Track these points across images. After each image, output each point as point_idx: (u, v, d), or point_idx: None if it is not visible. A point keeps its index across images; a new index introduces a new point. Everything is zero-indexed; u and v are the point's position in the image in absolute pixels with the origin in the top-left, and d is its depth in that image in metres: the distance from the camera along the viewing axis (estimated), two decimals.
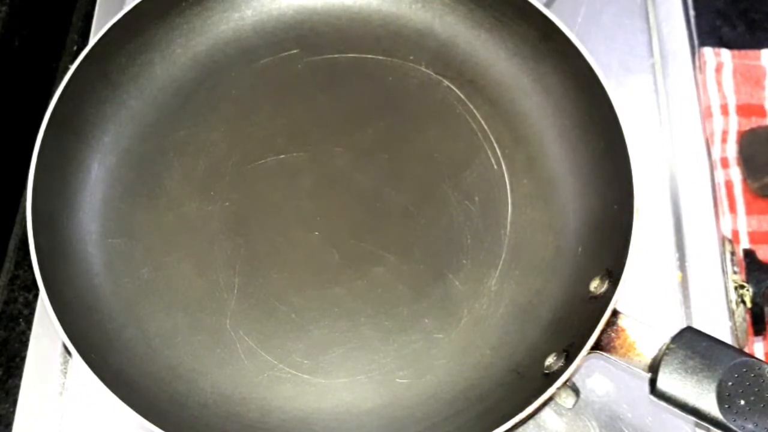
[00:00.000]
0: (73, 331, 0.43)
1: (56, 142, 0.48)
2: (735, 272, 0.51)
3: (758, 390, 0.39)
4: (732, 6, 0.63)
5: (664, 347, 0.41)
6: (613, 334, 0.42)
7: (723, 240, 0.52)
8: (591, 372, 0.48)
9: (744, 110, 0.60)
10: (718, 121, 0.60)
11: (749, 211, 0.59)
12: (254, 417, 0.45)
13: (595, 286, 0.45)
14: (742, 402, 0.39)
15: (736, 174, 0.59)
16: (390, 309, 0.47)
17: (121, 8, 0.50)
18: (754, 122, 0.60)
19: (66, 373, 0.49)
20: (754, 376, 0.40)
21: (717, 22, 0.62)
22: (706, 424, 0.40)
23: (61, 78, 0.48)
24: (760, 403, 0.39)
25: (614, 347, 0.42)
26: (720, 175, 0.59)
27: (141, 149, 0.51)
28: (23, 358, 0.49)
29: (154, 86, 0.52)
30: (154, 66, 0.53)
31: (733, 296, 0.50)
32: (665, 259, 0.51)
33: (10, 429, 0.47)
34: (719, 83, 0.60)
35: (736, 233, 0.58)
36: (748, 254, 0.53)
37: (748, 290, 0.51)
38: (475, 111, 0.52)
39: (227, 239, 0.49)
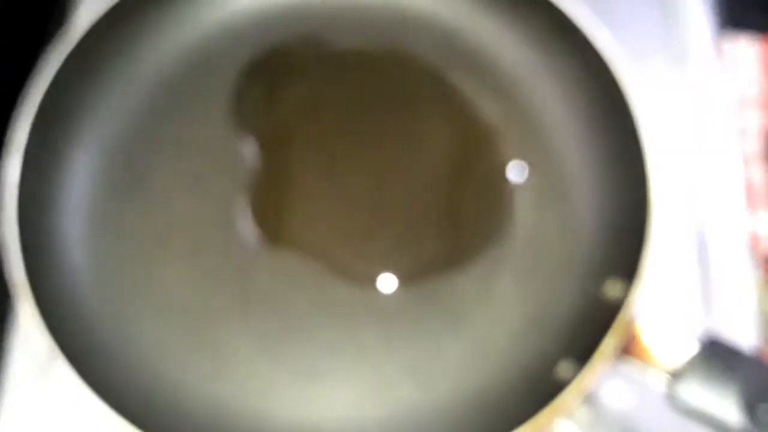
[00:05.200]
0: (58, 335, 0.42)
1: (39, 138, 0.46)
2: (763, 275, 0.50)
3: None
4: None
5: (685, 356, 0.40)
6: (629, 341, 0.41)
7: (750, 241, 0.51)
8: (605, 380, 0.47)
9: None
10: (740, 114, 0.58)
11: None
12: (249, 426, 0.44)
13: (610, 289, 0.44)
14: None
15: (759, 171, 0.57)
16: (393, 313, 0.46)
17: None
18: None
19: (51, 378, 0.48)
20: None
21: (739, 7, 0.60)
22: None
23: (45, 71, 0.47)
24: None
25: (630, 355, 0.41)
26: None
27: (129, 145, 0.50)
28: (7, 363, 0.49)
29: (142, 80, 0.51)
30: (142, 59, 0.51)
31: (761, 300, 0.49)
32: (686, 260, 0.50)
33: None
34: (742, 72, 0.59)
35: (761, 234, 0.56)
36: None
37: None
38: (482, 103, 0.51)
39: (220, 239, 0.48)
